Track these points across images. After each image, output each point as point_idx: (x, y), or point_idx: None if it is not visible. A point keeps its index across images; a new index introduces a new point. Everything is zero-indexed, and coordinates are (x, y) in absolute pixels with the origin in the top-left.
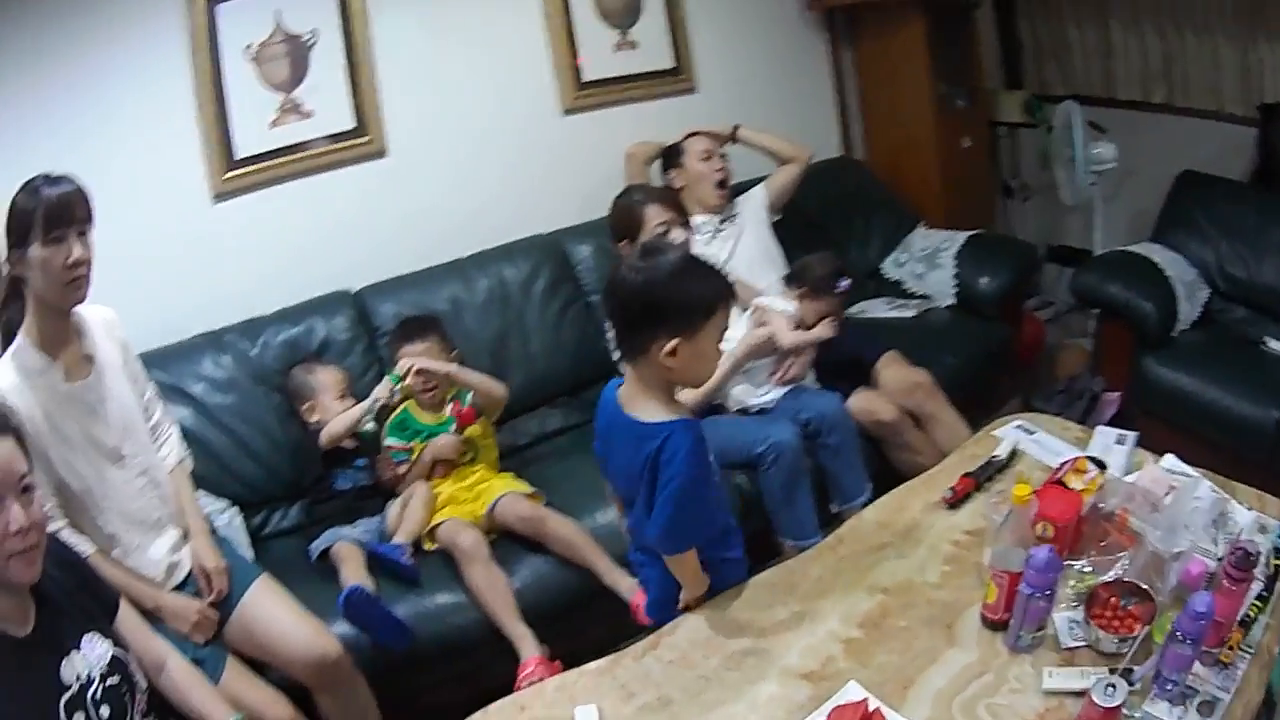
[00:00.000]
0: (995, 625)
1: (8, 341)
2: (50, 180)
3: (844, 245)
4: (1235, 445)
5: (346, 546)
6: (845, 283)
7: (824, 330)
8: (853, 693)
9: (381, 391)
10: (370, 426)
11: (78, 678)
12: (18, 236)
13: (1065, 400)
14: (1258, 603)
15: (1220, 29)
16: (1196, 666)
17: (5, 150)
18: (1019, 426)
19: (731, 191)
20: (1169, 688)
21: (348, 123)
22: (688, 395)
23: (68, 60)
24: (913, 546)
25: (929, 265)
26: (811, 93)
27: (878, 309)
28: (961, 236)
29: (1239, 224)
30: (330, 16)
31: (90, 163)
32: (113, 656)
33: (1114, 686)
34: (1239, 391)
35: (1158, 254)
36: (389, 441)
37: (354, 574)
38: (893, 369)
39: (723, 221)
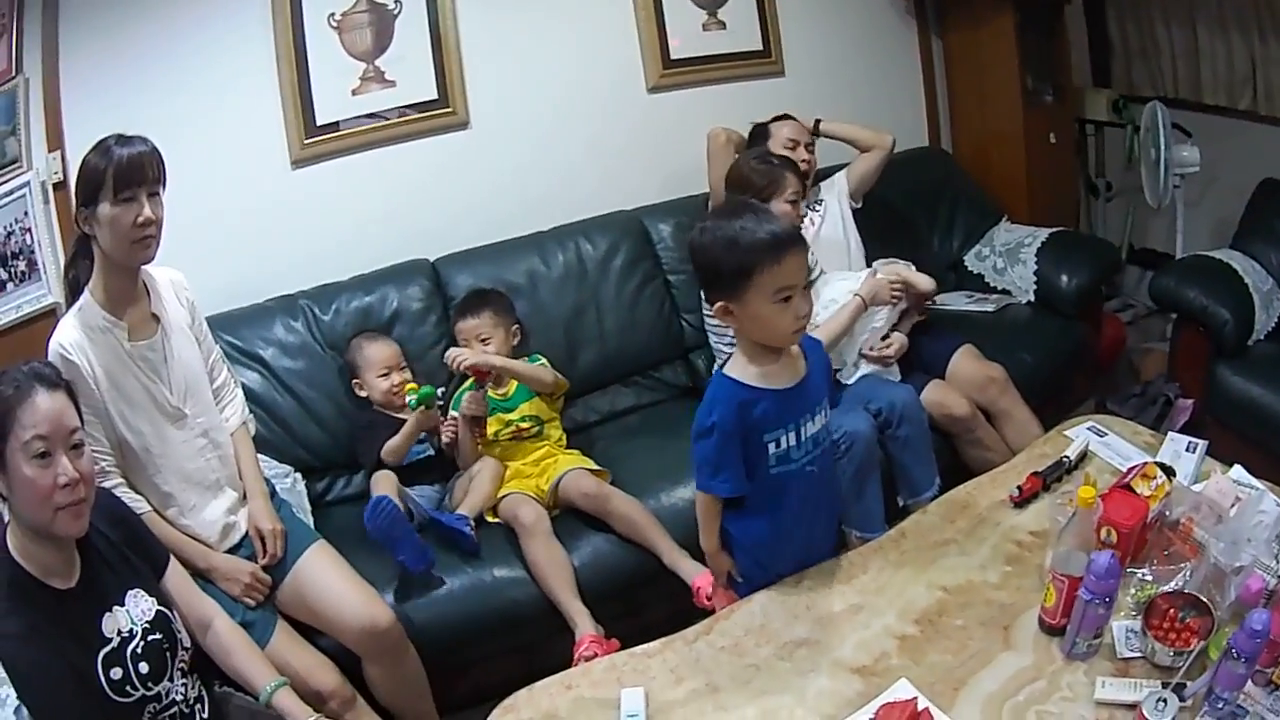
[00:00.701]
0: (1052, 630)
1: (75, 297)
2: (123, 140)
3: (927, 236)
4: None
5: (384, 475)
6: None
7: (929, 283)
8: (903, 691)
9: (417, 421)
10: (413, 402)
11: (119, 632)
12: (88, 194)
13: (1140, 404)
14: None
15: None
16: (1249, 686)
17: (92, 113)
18: (1090, 428)
19: (816, 175)
20: (1220, 706)
21: (430, 93)
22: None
23: (153, 24)
24: (976, 545)
25: (1010, 260)
26: (899, 81)
27: (957, 302)
28: (1044, 233)
29: None
30: None
31: (172, 127)
32: (157, 613)
33: (1165, 702)
34: None
35: (1237, 261)
36: (454, 412)
37: (386, 489)
38: (967, 363)
39: (806, 208)
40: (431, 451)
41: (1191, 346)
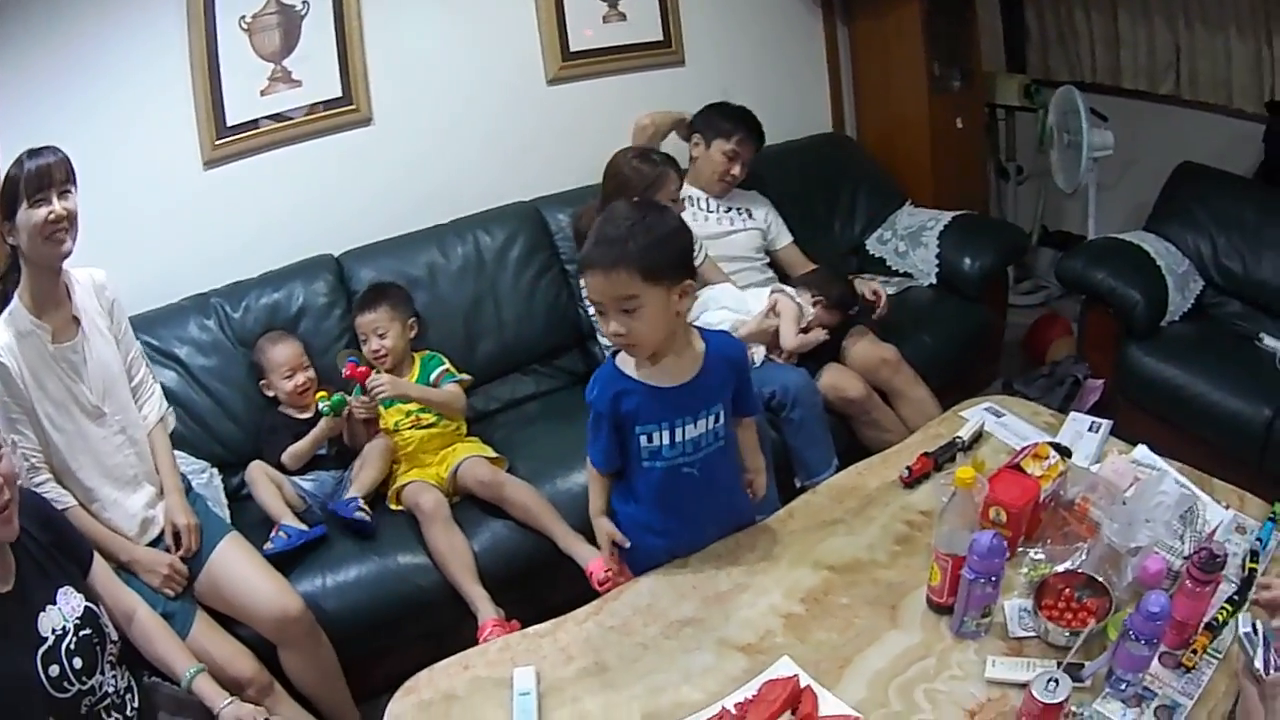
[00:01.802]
0: (940, 609)
1: (3, 305)
2: (34, 152)
3: (828, 220)
4: (1222, 442)
5: (259, 470)
6: (855, 309)
7: (818, 336)
8: (784, 668)
9: (326, 428)
10: (325, 410)
11: (53, 630)
12: (8, 207)
13: (1047, 385)
14: (1228, 606)
15: (1234, 23)
16: (1156, 668)
17: (9, 124)
18: (987, 409)
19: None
20: (1123, 688)
21: (335, 91)
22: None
23: (68, 31)
24: (864, 524)
25: (912, 244)
26: (803, 68)
27: (859, 286)
28: (947, 216)
29: (1237, 218)
30: None
31: (87, 131)
32: (85, 609)
33: (1056, 682)
34: (1229, 387)
35: (1150, 243)
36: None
37: (262, 486)
38: (860, 344)
39: (726, 208)
40: (327, 452)
41: (1100, 327)
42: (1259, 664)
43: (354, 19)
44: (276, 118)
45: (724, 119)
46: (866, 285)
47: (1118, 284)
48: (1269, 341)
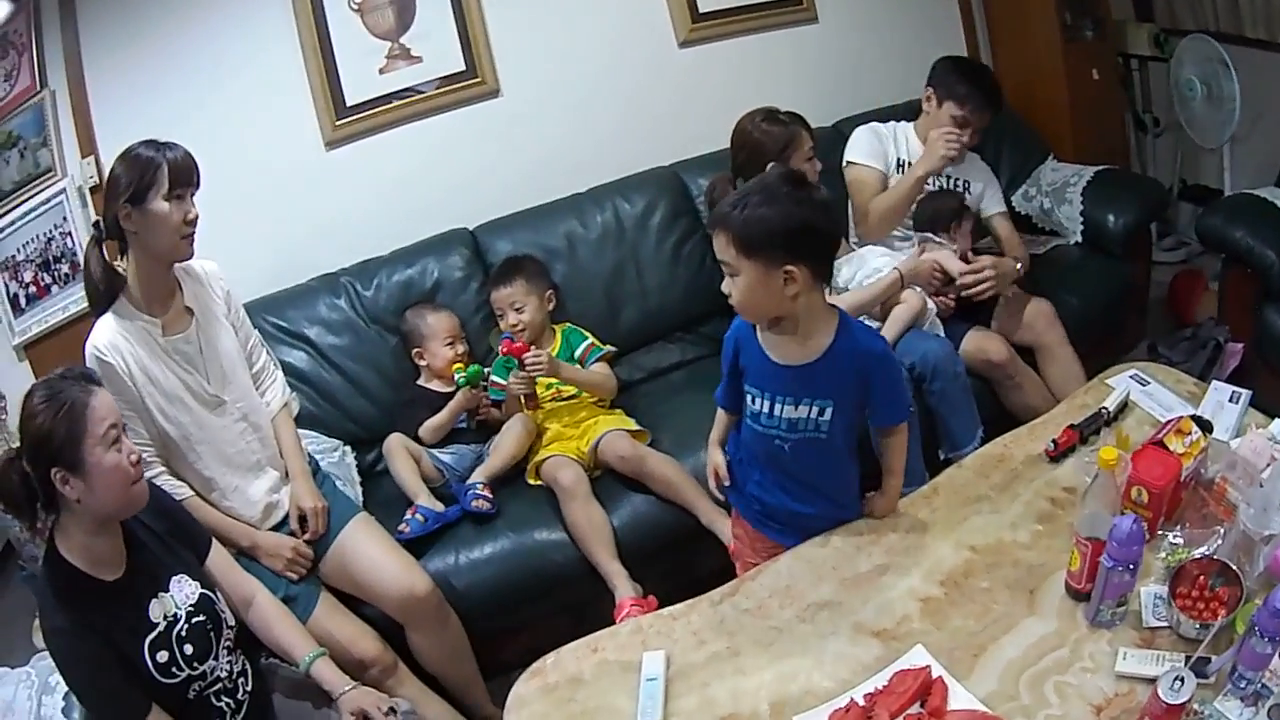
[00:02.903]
0: (1078, 595)
1: (111, 297)
2: (162, 144)
3: None
4: None
5: (398, 442)
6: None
7: (982, 268)
8: (918, 658)
9: (464, 399)
10: (461, 381)
11: (165, 617)
12: (139, 191)
13: (1190, 348)
14: None
15: None
16: (1275, 664)
17: (123, 117)
18: (1133, 376)
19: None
20: (1243, 685)
21: (458, 65)
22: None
23: (173, 26)
24: (1009, 501)
25: (1057, 200)
26: (938, 23)
27: (1025, 243)
28: (1089, 171)
29: None
30: None
31: (204, 123)
32: (200, 595)
33: (1181, 681)
34: None
35: None
36: (494, 378)
37: (400, 460)
38: (1011, 301)
39: (944, 176)
40: (466, 425)
41: (1240, 288)
42: None
43: None
44: (398, 95)
45: (961, 80)
46: (975, 265)
47: (1255, 243)
48: None
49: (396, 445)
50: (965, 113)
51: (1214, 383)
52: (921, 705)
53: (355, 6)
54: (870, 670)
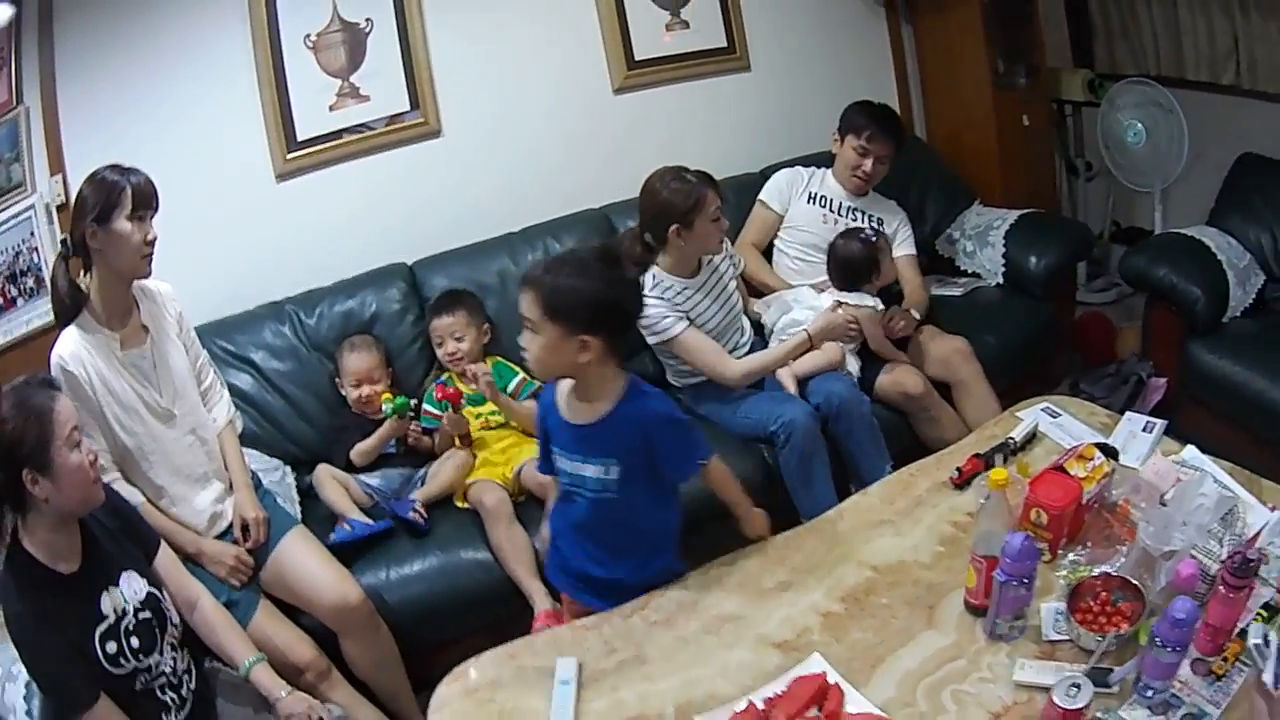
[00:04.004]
0: (976, 610)
1: (75, 311)
2: (125, 169)
3: None
4: None
5: (326, 472)
6: (871, 235)
7: (902, 326)
8: (815, 665)
9: (390, 429)
10: (388, 411)
11: (115, 610)
12: (104, 211)
13: (1113, 384)
14: (1263, 612)
15: None
16: (1186, 675)
17: (91, 139)
18: (1044, 409)
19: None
20: (1149, 694)
21: (403, 104)
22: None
23: (142, 53)
24: (911, 525)
25: (980, 243)
26: (870, 69)
27: (928, 286)
28: (1014, 215)
29: None
30: (385, 4)
31: (164, 148)
32: (148, 593)
33: (1078, 687)
34: None
35: (1211, 237)
36: (426, 407)
37: (330, 489)
38: (928, 338)
39: (857, 213)
40: (395, 451)
41: (1164, 325)
42: (1268, 677)
43: (418, 34)
44: (347, 131)
45: (858, 114)
46: (897, 318)
47: (1178, 280)
48: None
49: (324, 475)
50: (863, 142)
51: (1127, 414)
52: (819, 710)
53: (310, 44)
54: (770, 678)
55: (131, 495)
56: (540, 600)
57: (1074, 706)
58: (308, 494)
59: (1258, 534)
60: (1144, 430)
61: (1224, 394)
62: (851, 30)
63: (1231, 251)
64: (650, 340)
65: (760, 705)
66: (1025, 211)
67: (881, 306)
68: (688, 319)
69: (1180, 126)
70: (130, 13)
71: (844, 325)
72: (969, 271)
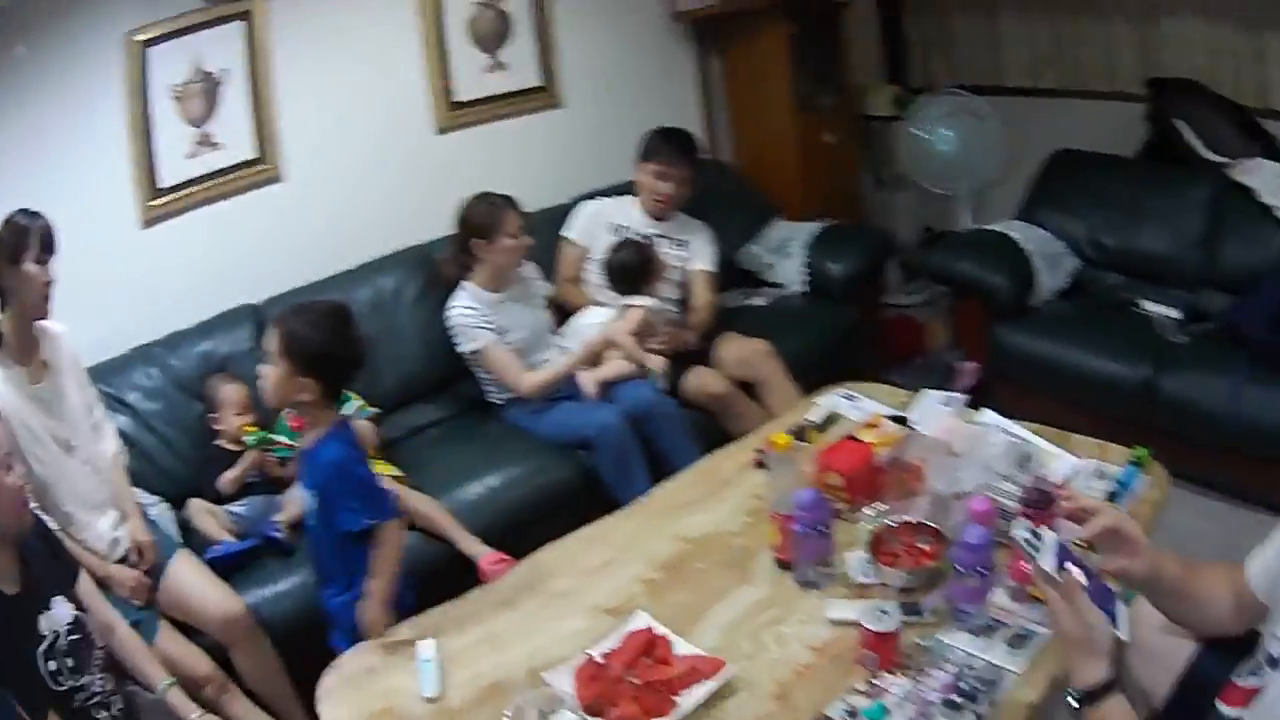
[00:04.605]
0: (784, 564)
1: None
2: (30, 213)
3: None
4: (1105, 406)
5: (196, 505)
6: (639, 238)
7: (616, 369)
8: (640, 620)
9: (251, 459)
10: (251, 442)
11: (51, 630)
12: (14, 254)
13: (921, 374)
14: (1079, 543)
15: (1118, 10)
16: (1005, 600)
17: None
18: (843, 394)
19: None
20: (965, 619)
21: (250, 152)
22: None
23: (18, 106)
24: (718, 503)
25: (780, 255)
26: (678, 100)
27: (731, 299)
28: (814, 227)
29: (1112, 195)
30: (239, 54)
31: (35, 198)
32: (75, 617)
33: (886, 613)
34: (1107, 353)
35: (1016, 230)
36: (280, 437)
37: (201, 519)
38: (731, 344)
39: (658, 237)
40: (256, 479)
41: (970, 314)
42: (1047, 565)
43: (266, 84)
44: (202, 179)
45: (652, 140)
46: (670, 329)
47: (981, 272)
48: (1148, 306)
49: (197, 507)
50: (658, 165)
51: (926, 391)
52: (650, 659)
53: (175, 94)
54: (604, 637)
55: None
56: (476, 548)
57: (883, 629)
58: (184, 527)
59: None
60: (944, 404)
61: (1035, 370)
62: (661, 64)
63: (1040, 241)
64: (459, 349)
65: (599, 659)
66: (826, 224)
67: (656, 304)
68: (494, 332)
69: (994, 132)
70: (6, 67)
71: (622, 331)
72: (771, 282)
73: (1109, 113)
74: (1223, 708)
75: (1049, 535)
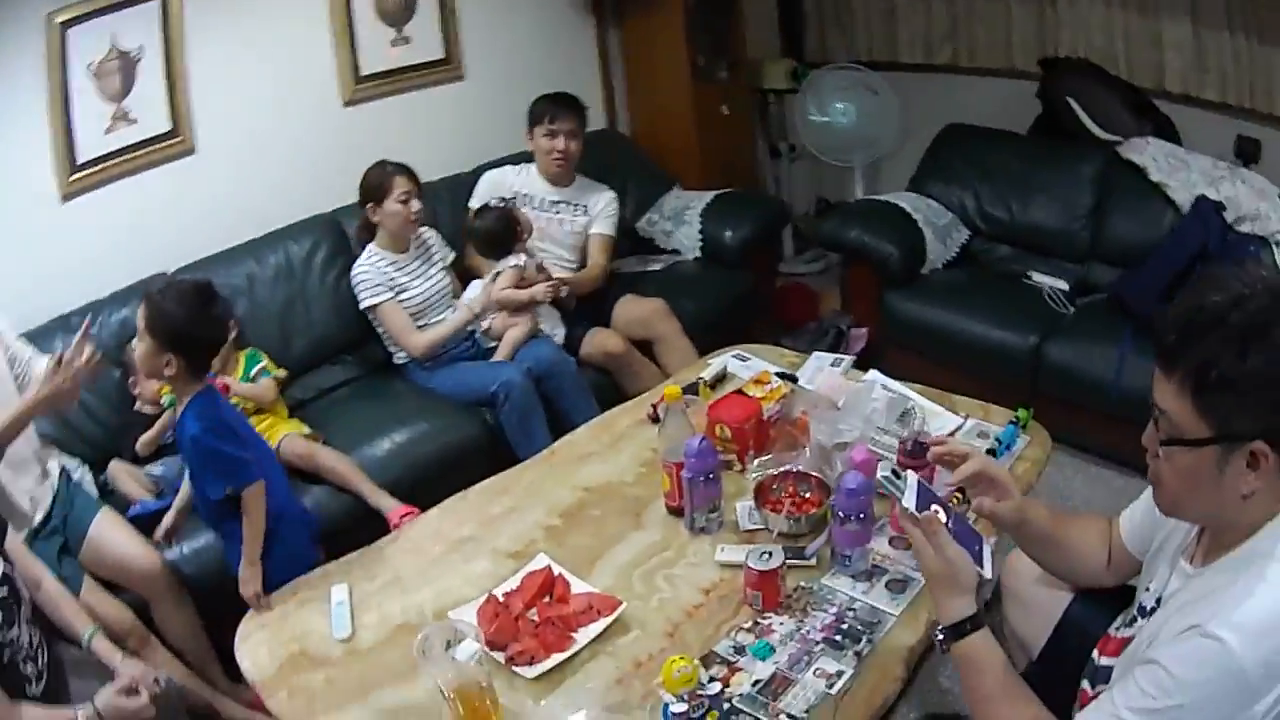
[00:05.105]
0: (676, 511)
1: None
2: None
3: None
4: (993, 372)
5: (118, 467)
6: (498, 202)
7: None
8: (540, 562)
9: (168, 419)
10: (167, 404)
11: None
12: None
13: (814, 338)
14: (959, 495)
15: None
16: (885, 548)
17: None
18: (735, 355)
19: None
20: (848, 564)
21: (165, 125)
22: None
23: None
24: (615, 455)
25: (676, 223)
26: (578, 72)
27: (629, 265)
28: (709, 195)
29: (1002, 168)
30: (154, 32)
31: None
32: (2, 573)
33: (769, 554)
34: (995, 321)
35: (907, 200)
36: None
37: (123, 479)
38: (628, 304)
39: (557, 204)
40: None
41: (861, 281)
42: (909, 503)
43: (180, 60)
44: (119, 153)
45: (536, 104)
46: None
47: (870, 239)
48: (1038, 278)
49: (117, 468)
50: (546, 125)
51: (815, 352)
52: (550, 598)
53: (93, 71)
54: (506, 579)
55: None
56: (385, 501)
57: (765, 567)
58: (103, 489)
59: (952, 432)
60: (832, 365)
61: (927, 337)
62: (561, 36)
63: (930, 211)
64: (361, 305)
65: (500, 598)
66: (721, 191)
67: (521, 263)
68: (391, 292)
69: (889, 106)
70: None
71: (502, 297)
72: (668, 249)
73: (1003, 90)
74: (1099, 658)
75: (911, 476)
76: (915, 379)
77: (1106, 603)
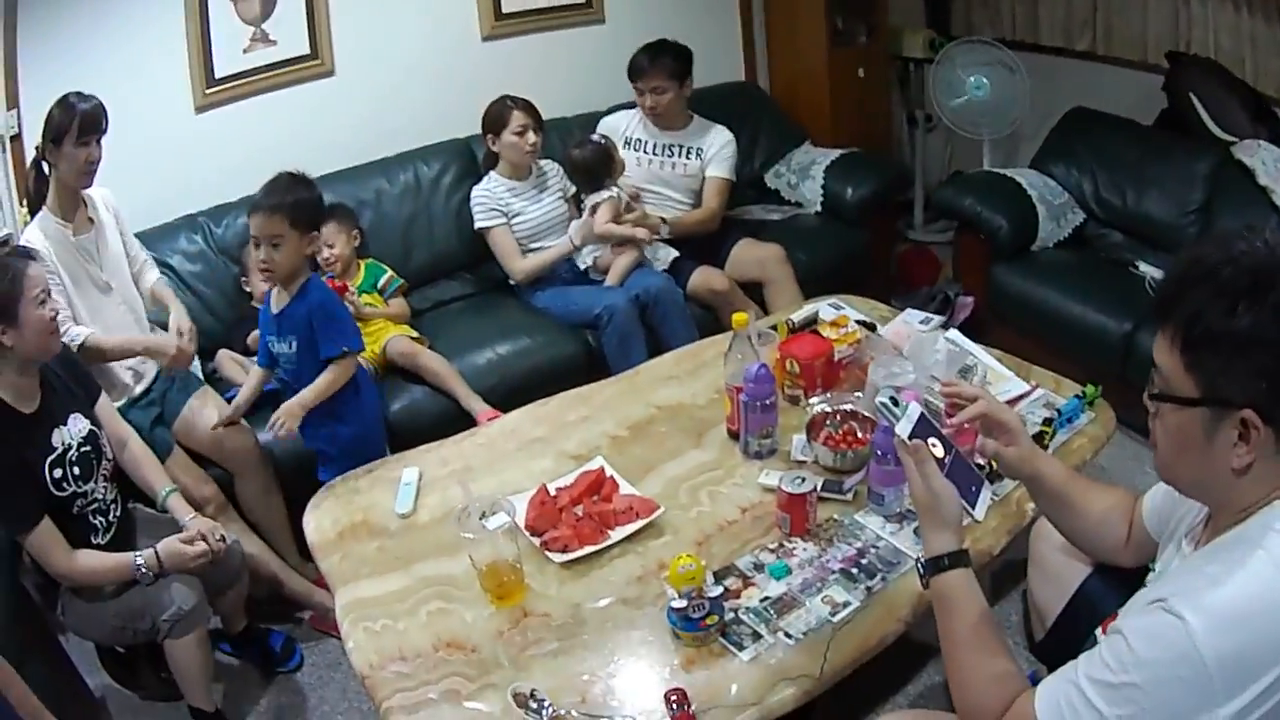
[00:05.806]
0: (734, 435)
1: (38, 207)
2: (82, 96)
3: None
4: (1085, 354)
5: (223, 353)
6: (595, 137)
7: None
8: (595, 464)
9: None
10: None
11: (63, 444)
12: (56, 136)
13: (922, 301)
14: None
15: None
16: None
17: (45, 75)
18: (831, 303)
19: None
20: (880, 503)
21: (304, 48)
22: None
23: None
24: (694, 380)
25: (802, 176)
26: (720, 21)
27: (753, 212)
28: (835, 153)
29: (1121, 156)
30: None
31: (103, 82)
32: (89, 431)
33: (803, 479)
34: (1094, 304)
35: (1026, 177)
36: None
37: (228, 365)
38: (747, 246)
39: (667, 149)
40: None
41: (972, 250)
42: (902, 431)
43: None
44: (256, 71)
45: (631, 61)
46: (634, 209)
47: (983, 209)
48: (1144, 267)
49: (224, 356)
50: (637, 83)
51: (907, 309)
52: (597, 497)
53: None
54: (563, 476)
55: (83, 332)
56: (477, 404)
57: (796, 490)
58: (210, 376)
59: (1019, 398)
60: (921, 324)
61: (1023, 310)
62: None
63: (1047, 190)
64: (475, 226)
65: (552, 490)
66: (846, 150)
67: (615, 194)
68: (504, 216)
69: (1023, 85)
70: None
71: (601, 230)
72: (792, 201)
73: (1133, 81)
74: (1099, 637)
75: (914, 406)
76: (1013, 353)
77: (1124, 582)
